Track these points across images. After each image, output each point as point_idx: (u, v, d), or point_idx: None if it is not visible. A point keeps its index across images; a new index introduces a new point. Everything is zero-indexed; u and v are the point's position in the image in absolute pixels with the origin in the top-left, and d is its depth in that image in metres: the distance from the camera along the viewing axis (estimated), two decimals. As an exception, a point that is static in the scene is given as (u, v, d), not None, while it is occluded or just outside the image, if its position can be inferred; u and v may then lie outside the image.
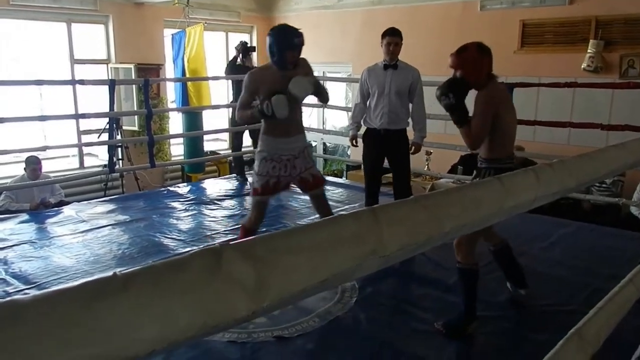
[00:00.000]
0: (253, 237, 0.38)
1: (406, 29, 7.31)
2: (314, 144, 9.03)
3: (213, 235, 4.18)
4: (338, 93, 8.75)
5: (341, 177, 7.53)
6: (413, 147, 3.93)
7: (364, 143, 3.95)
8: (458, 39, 6.69)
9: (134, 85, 6.89)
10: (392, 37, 3.70)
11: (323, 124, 8.74)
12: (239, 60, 5.99)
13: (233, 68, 5.96)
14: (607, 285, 1.22)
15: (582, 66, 5.58)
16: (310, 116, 8.95)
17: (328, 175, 7.76)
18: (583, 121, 4.54)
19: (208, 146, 7.79)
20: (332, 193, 5.57)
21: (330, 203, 5.12)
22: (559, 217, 4.42)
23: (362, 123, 3.99)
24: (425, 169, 6.66)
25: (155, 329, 0.31)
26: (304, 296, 0.41)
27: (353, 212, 0.46)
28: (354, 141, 4.22)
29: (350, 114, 4.01)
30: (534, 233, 3.95)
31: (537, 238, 3.93)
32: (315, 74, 9.17)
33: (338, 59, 8.06)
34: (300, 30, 3.09)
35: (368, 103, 3.84)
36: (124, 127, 6.84)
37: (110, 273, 0.31)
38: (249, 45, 6.04)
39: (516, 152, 5.48)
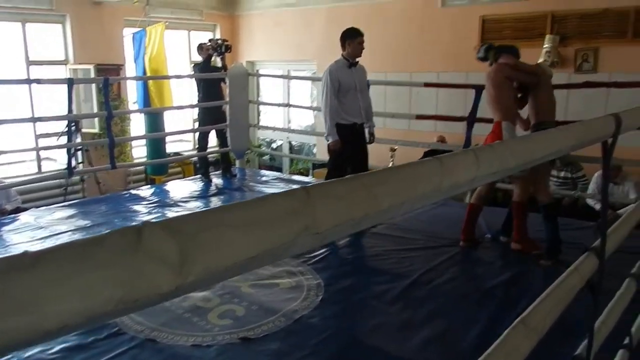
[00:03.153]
0: (180, 214, 0.38)
1: (369, 25, 7.37)
2: (279, 142, 9.02)
3: (177, 237, 4.12)
4: (303, 92, 8.76)
5: (307, 176, 7.54)
6: (372, 138, 4.21)
7: (344, 139, 3.95)
8: (420, 35, 6.79)
9: (93, 87, 6.74)
10: (362, 36, 3.93)
11: (288, 123, 8.73)
12: (213, 59, 5.91)
13: (207, 67, 5.85)
14: (559, 275, 1.26)
15: (539, 61, 5.74)
16: (275, 116, 8.94)
17: (294, 174, 7.76)
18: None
19: (171, 147, 7.68)
20: (299, 191, 5.58)
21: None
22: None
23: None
24: (390, 165, 6.73)
25: (69, 304, 0.30)
26: (233, 273, 0.41)
27: (286, 190, 0.46)
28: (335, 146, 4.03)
29: (325, 113, 3.93)
30: (492, 223, 4.05)
31: (495, 228, 4.02)
32: (280, 72, 9.18)
33: (302, 56, 8.06)
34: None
35: (340, 101, 3.92)
36: (83, 130, 6.67)
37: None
38: (227, 43, 5.93)
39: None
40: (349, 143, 3.98)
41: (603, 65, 5.60)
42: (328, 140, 4.00)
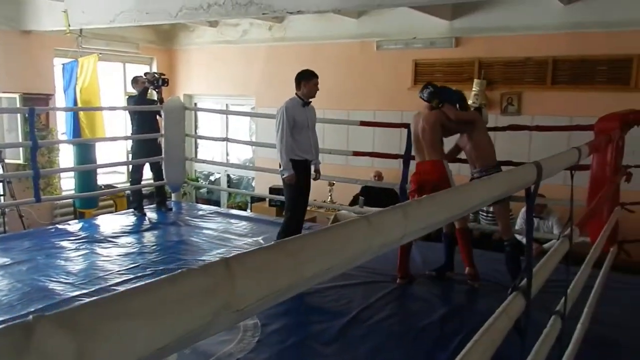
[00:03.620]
0: (76, 305, 0.35)
1: (309, 65, 7.49)
2: (217, 175, 8.88)
3: (106, 277, 3.91)
4: (242, 125, 8.73)
5: (245, 210, 7.44)
6: (317, 175, 4.38)
7: (298, 174, 4.06)
8: (357, 76, 6.99)
9: (19, 116, 6.39)
10: (317, 78, 4.10)
11: (227, 156, 8.64)
12: (149, 92, 5.78)
13: (143, 100, 5.71)
14: (492, 310, 1.29)
15: (469, 102, 6.04)
16: (214, 149, 8.82)
17: (232, 207, 7.64)
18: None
19: (103, 179, 7.36)
20: (236, 226, 5.48)
21: (234, 237, 5.06)
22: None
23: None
24: (328, 200, 6.77)
25: None
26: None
27: (203, 265, 0.43)
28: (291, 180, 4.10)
29: (281, 149, 4.03)
30: (427, 257, 4.14)
31: (429, 262, 4.11)
32: (219, 106, 9.13)
33: (242, 91, 8.06)
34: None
35: (295, 137, 4.05)
36: (7, 160, 6.28)
37: None
38: (164, 77, 5.84)
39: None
40: (304, 178, 4.15)
41: (526, 108, 5.97)
42: (283, 175, 4.10)
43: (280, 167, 4.11)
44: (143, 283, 0.39)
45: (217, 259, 0.46)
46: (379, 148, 6.26)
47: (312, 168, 4.30)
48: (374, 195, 6.18)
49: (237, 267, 0.45)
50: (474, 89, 6.02)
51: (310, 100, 4.14)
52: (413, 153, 3.92)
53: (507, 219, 3.86)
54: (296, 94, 4.11)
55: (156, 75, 5.81)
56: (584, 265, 2.29)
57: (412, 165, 5.01)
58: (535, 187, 1.38)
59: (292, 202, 4.14)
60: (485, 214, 5.49)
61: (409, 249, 3.87)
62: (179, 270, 0.42)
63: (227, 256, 0.46)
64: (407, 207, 0.76)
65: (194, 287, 0.41)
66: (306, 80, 4.07)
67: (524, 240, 5.24)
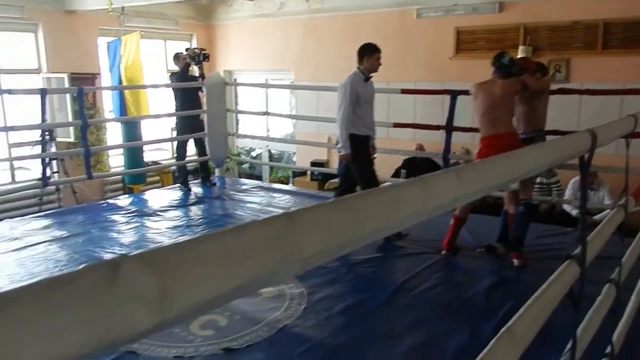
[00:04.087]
0: (157, 247, 0.37)
1: (347, 36, 7.42)
2: (259, 151, 8.99)
3: (156, 248, 4.06)
4: (282, 100, 8.76)
5: (287, 184, 7.52)
6: (373, 150, 4.29)
7: (362, 149, 4.02)
8: (397, 46, 6.85)
9: (68, 96, 6.62)
10: (380, 53, 3.99)
11: (268, 131, 8.71)
12: (190, 68, 5.86)
13: (185, 76, 5.80)
14: (539, 281, 1.27)
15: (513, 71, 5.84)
16: (254, 124, 8.91)
17: (274, 182, 7.74)
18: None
19: (149, 156, 7.58)
20: (279, 200, 5.55)
21: (277, 210, 5.14)
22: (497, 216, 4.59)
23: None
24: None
25: (41, 349, 0.29)
26: (215, 305, 0.40)
27: (268, 217, 0.45)
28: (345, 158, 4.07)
29: (341, 125, 3.93)
30: (474, 230, 4.08)
31: (477, 235, 4.06)
32: (258, 81, 9.17)
33: (280, 66, 8.06)
34: None
35: (357, 113, 3.96)
36: (58, 139, 6.55)
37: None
38: (205, 52, 5.89)
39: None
40: (367, 156, 4.09)
41: (575, 75, 5.72)
42: (340, 152, 4.07)
43: (337, 143, 4.05)
44: (215, 231, 0.41)
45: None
46: (420, 120, 6.17)
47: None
48: (415, 167, 6.12)
49: (300, 221, 0.46)
50: (519, 57, 5.80)
51: (372, 75, 4.03)
52: (477, 125, 3.70)
53: (533, 183, 3.83)
54: (358, 68, 4.00)
55: (197, 50, 5.87)
56: (639, 236, 2.22)
57: (461, 137, 4.93)
58: (589, 155, 1.34)
59: (365, 177, 4.04)
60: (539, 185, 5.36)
61: (461, 225, 3.79)
62: (245, 222, 0.44)
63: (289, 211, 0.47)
64: (461, 170, 0.76)
65: (260, 236, 0.43)
66: (369, 54, 3.96)
67: (573, 212, 5.11)
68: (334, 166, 6.63)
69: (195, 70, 6.03)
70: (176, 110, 5.90)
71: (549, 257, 3.58)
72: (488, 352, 0.90)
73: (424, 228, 4.20)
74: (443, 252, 3.78)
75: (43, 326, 0.29)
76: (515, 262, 3.54)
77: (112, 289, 0.32)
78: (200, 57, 5.78)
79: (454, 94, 4.69)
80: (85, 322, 0.31)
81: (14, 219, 4.91)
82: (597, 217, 4.63)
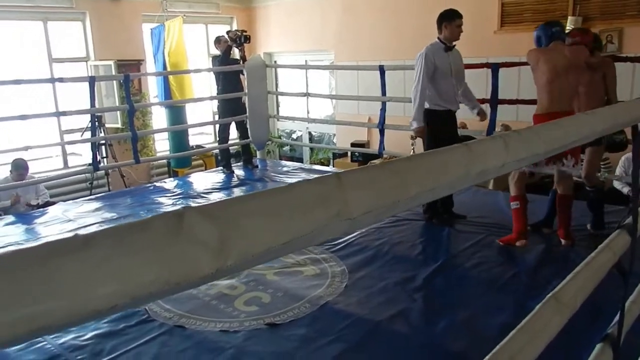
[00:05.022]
0: (216, 201, 0.39)
1: (385, 14, 7.30)
2: (299, 133, 9.04)
3: (202, 228, 4.17)
4: (322, 82, 8.74)
5: (328, 166, 7.55)
6: (482, 116, 4.05)
7: (437, 126, 3.78)
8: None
9: (114, 82, 6.83)
10: (462, 18, 3.73)
11: (308, 113, 8.73)
12: (232, 51, 5.92)
13: (227, 59, 5.86)
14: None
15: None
16: (294, 106, 8.95)
17: (315, 164, 7.78)
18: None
19: (193, 140, 7.75)
20: (320, 181, 5.59)
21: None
22: (545, 195, 4.47)
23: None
24: (411, 153, 6.68)
25: (116, 285, 0.32)
26: (268, 257, 0.42)
27: (317, 177, 0.47)
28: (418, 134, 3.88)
29: (414, 97, 3.75)
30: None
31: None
32: (298, 62, 9.15)
33: (320, 46, 8.04)
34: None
35: (436, 85, 3.76)
36: (106, 125, 6.78)
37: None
38: (246, 34, 5.92)
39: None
40: (444, 131, 3.78)
41: (628, 46, 5.45)
42: (412, 126, 3.82)
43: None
44: (267, 189, 0.43)
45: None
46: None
47: (475, 114, 3.99)
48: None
49: (348, 181, 0.48)
50: (568, 28, 5.57)
51: (454, 44, 3.77)
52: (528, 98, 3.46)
53: (597, 166, 3.63)
54: (438, 37, 3.77)
55: (238, 32, 5.91)
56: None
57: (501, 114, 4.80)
58: (645, 124, 1.29)
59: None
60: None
61: (525, 206, 3.49)
62: (296, 180, 0.46)
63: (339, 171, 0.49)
64: (508, 137, 0.75)
65: (310, 194, 0.45)
66: (448, 20, 3.69)
67: (625, 190, 4.92)
68: (375, 147, 6.59)
69: (236, 53, 6.09)
70: (218, 93, 5.99)
71: (596, 235, 3.49)
72: (534, 316, 0.90)
73: (466, 209, 4.15)
74: (518, 243, 3.43)
75: (117, 265, 0.32)
76: (563, 241, 3.45)
77: (177, 235, 0.35)
78: (242, 39, 5.82)
79: (495, 67, 4.56)
80: (154, 264, 0.33)
81: (67, 202, 5.14)
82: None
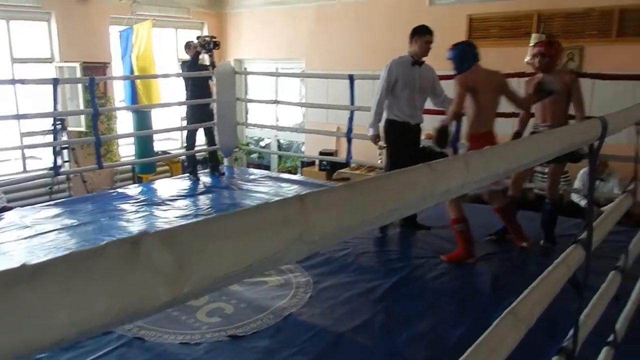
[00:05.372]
0: (175, 226, 0.39)
1: (357, 25, 7.38)
2: (267, 140, 9.01)
3: (166, 236, 4.10)
4: (292, 89, 8.75)
5: (296, 174, 7.54)
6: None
7: (394, 135, 3.90)
8: (408, 34, 6.78)
9: (79, 85, 6.67)
10: (432, 35, 3.81)
11: (277, 121, 8.72)
12: (201, 57, 5.87)
13: (195, 65, 5.81)
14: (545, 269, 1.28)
15: (525, 60, 5.79)
16: (264, 114, 8.92)
17: (283, 172, 7.76)
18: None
19: (159, 146, 7.63)
20: (287, 189, 5.58)
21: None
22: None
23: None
24: (379, 162, 6.75)
25: (67, 317, 0.31)
26: (227, 282, 0.41)
27: (280, 199, 0.47)
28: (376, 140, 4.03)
29: (372, 106, 3.92)
30: (481, 222, 4.07)
31: (484, 226, 4.05)
32: (268, 69, 9.13)
33: (291, 54, 8.05)
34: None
35: (395, 97, 3.84)
36: (69, 128, 6.61)
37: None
38: (215, 39, 5.89)
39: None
40: (403, 142, 3.90)
41: (588, 64, 5.66)
42: (369, 133, 3.97)
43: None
44: (229, 212, 0.43)
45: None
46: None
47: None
48: (424, 158, 6.10)
49: (311, 203, 0.48)
50: (531, 45, 5.75)
51: (423, 59, 3.85)
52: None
53: (558, 180, 3.76)
54: (408, 51, 3.86)
55: (207, 38, 5.87)
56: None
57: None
58: (599, 143, 1.34)
59: (390, 165, 3.94)
60: (540, 174, 5.33)
61: (513, 212, 3.63)
62: (259, 203, 0.46)
63: (302, 193, 0.49)
64: (469, 157, 0.77)
65: (272, 217, 0.44)
66: (418, 35, 3.79)
67: (582, 203, 5.09)
68: (343, 155, 6.62)
69: (205, 59, 6.04)
70: (186, 99, 5.92)
71: (557, 249, 3.59)
72: (491, 332, 0.92)
73: (431, 220, 4.21)
74: (524, 244, 3.56)
75: (73, 295, 0.31)
76: (525, 244, 3.55)
77: (132, 263, 0.34)
78: (211, 44, 5.79)
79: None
80: (110, 294, 0.32)
81: (25, 207, 4.97)
82: (605, 208, 4.60)
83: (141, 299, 0.34)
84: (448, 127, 3.43)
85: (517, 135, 3.82)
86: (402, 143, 3.91)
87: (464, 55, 3.47)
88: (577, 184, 5.22)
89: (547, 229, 3.72)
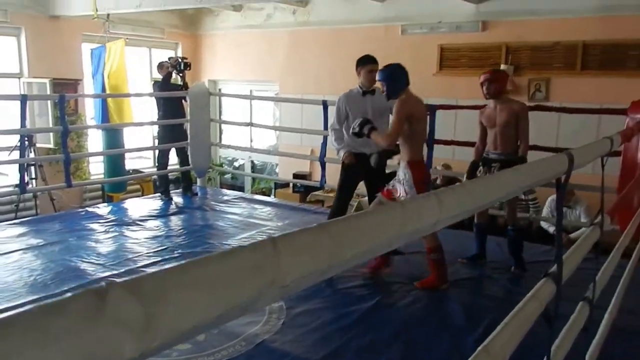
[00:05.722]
0: (143, 274, 0.38)
1: (331, 50, 7.47)
2: (241, 161, 8.97)
3: (135, 259, 4.01)
4: (266, 111, 8.77)
5: (269, 196, 7.51)
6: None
7: (349, 167, 3.82)
8: (381, 61, 6.89)
9: (49, 101, 6.54)
10: (375, 64, 3.75)
11: (251, 142, 8.70)
12: (173, 77, 5.84)
13: (167, 85, 5.78)
14: (517, 296, 1.30)
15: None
16: (238, 135, 8.89)
17: (256, 193, 7.71)
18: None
19: (130, 164, 7.50)
20: (260, 211, 5.54)
21: (259, 222, 5.12)
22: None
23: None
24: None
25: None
26: (199, 331, 0.40)
27: (252, 243, 0.46)
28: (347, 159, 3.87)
29: (330, 142, 4.04)
30: (452, 247, 4.11)
31: (454, 252, 4.09)
32: (243, 91, 9.14)
33: (265, 77, 8.09)
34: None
35: (346, 129, 3.76)
36: (37, 145, 6.45)
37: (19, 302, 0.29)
38: (186, 60, 5.89)
39: (444, 171, 5.77)
40: (359, 173, 3.83)
41: (554, 95, 5.86)
42: (341, 154, 3.86)
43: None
44: (199, 257, 0.42)
45: (241, 243, 0.48)
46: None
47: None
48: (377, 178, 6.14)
49: (283, 246, 0.47)
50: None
51: (373, 88, 3.79)
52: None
53: (515, 206, 3.93)
54: (358, 83, 3.84)
55: (179, 59, 5.87)
56: (612, 253, 2.27)
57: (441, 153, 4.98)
58: (566, 177, 1.38)
59: (338, 186, 3.89)
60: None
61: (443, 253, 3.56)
62: (230, 247, 0.45)
63: (274, 235, 0.48)
64: (441, 194, 0.77)
65: (244, 262, 0.44)
66: (361, 66, 3.76)
67: (550, 229, 5.20)
68: (316, 178, 6.64)
69: (179, 79, 6.02)
70: (158, 118, 5.87)
71: (527, 275, 3.65)
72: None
73: (405, 244, 4.21)
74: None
75: (31, 357, 0.29)
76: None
77: (99, 318, 0.32)
78: (182, 65, 5.79)
79: (432, 109, 4.76)
80: (73, 353, 0.31)
81: (-11, 225, 4.81)
82: (573, 235, 4.72)
83: (107, 357, 0.33)
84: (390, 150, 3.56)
85: (474, 164, 3.90)
86: (348, 174, 3.84)
87: (396, 76, 3.41)
88: (545, 210, 5.34)
89: (515, 256, 3.81)
